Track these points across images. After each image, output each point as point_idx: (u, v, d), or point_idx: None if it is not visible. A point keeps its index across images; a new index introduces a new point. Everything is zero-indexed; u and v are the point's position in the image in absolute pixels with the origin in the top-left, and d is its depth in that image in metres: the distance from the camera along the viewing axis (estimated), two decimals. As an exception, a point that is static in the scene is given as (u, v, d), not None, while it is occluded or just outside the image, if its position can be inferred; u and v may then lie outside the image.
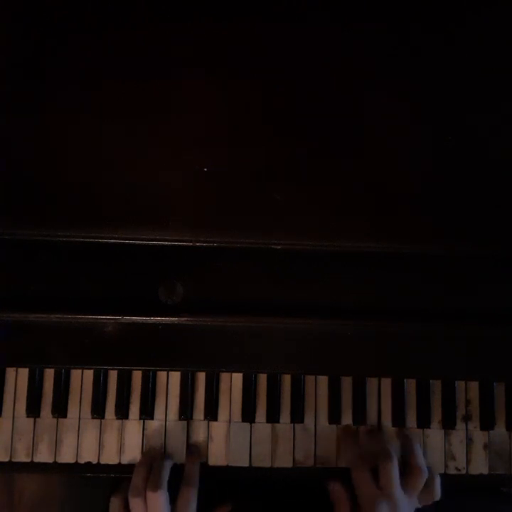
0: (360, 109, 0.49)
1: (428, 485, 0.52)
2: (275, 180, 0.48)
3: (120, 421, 0.55)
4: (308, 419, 0.55)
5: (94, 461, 0.55)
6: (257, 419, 0.55)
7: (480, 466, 0.55)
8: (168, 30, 0.49)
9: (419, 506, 0.52)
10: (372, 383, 0.56)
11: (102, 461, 0.55)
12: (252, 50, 0.49)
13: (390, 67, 0.50)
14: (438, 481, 0.53)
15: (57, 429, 0.55)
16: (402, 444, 0.55)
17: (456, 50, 0.50)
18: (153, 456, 0.54)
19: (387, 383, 0.56)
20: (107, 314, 0.49)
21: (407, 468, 0.52)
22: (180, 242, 0.48)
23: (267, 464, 0.55)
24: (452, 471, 0.55)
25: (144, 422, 0.55)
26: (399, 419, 0.55)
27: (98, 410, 0.55)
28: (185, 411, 0.55)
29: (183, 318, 0.49)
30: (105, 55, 0.49)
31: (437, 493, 0.53)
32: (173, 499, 0.51)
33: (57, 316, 0.49)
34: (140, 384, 0.55)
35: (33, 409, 0.55)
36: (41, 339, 0.50)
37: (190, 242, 0.47)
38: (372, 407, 0.56)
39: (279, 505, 0.59)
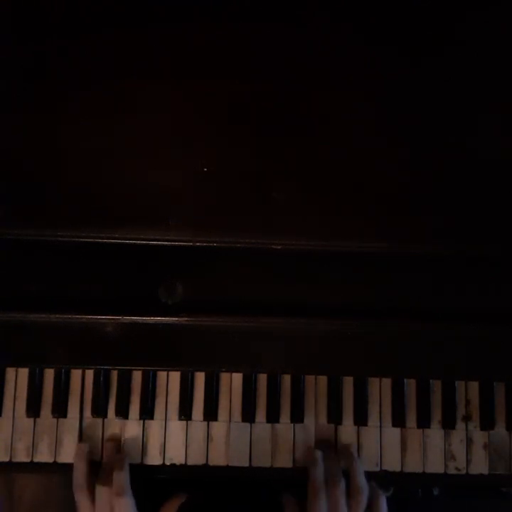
0: (360, 109, 0.49)
1: (373, 506, 0.51)
2: (275, 180, 0.48)
3: (120, 421, 0.55)
4: (308, 419, 0.55)
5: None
6: (257, 419, 0.55)
7: (480, 466, 0.55)
8: (164, 32, 0.49)
9: None
10: (372, 383, 0.56)
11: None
12: (251, 52, 0.49)
13: (385, 68, 0.50)
14: (383, 501, 0.52)
15: (57, 429, 0.55)
16: (345, 460, 0.54)
17: (458, 53, 0.50)
18: (90, 449, 0.53)
19: (387, 383, 0.56)
20: (107, 314, 0.49)
21: (349, 487, 0.51)
22: (180, 242, 0.48)
23: (267, 463, 0.55)
24: (452, 471, 0.55)
25: (144, 422, 0.55)
26: (399, 419, 0.55)
27: (98, 410, 0.55)
28: (185, 411, 0.55)
29: (183, 318, 0.49)
30: (106, 56, 0.49)
31: None
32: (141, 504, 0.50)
33: (57, 316, 0.49)
34: (140, 384, 0.55)
35: (33, 409, 0.55)
36: (41, 339, 0.50)
37: (190, 242, 0.47)
38: (372, 407, 0.55)
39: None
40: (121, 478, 0.50)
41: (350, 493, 0.51)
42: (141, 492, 0.52)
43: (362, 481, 0.52)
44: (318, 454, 0.53)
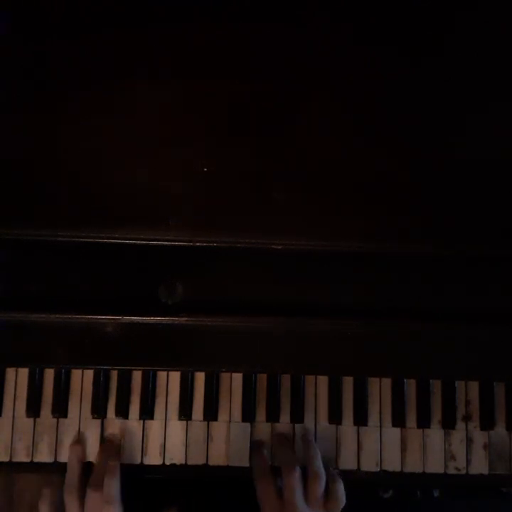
0: (360, 109, 0.49)
1: (331, 491, 0.51)
2: (275, 180, 0.48)
3: (120, 421, 0.55)
4: (308, 419, 0.55)
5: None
6: (257, 419, 0.55)
7: (480, 466, 0.55)
8: (164, 32, 0.49)
9: None
10: (372, 383, 0.56)
11: (102, 461, 0.55)
12: (251, 52, 0.49)
13: (385, 68, 0.50)
14: (340, 486, 0.51)
15: (57, 429, 0.55)
16: (302, 447, 0.54)
17: (458, 53, 0.50)
18: (83, 451, 0.54)
19: (387, 383, 0.56)
20: (107, 314, 0.49)
21: (306, 474, 0.51)
22: (180, 242, 0.48)
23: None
24: (452, 471, 0.55)
25: (143, 422, 0.55)
26: (399, 419, 0.55)
27: (98, 410, 0.55)
28: (185, 411, 0.55)
29: (183, 318, 0.49)
30: (106, 56, 0.49)
31: (341, 499, 0.51)
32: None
33: (57, 316, 0.49)
34: (140, 384, 0.55)
35: (33, 409, 0.55)
36: (41, 339, 0.50)
37: (190, 242, 0.47)
38: (372, 407, 0.55)
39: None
40: (112, 486, 0.50)
41: (307, 479, 0.51)
42: (139, 493, 0.52)
43: (318, 467, 0.51)
44: (262, 444, 0.54)
